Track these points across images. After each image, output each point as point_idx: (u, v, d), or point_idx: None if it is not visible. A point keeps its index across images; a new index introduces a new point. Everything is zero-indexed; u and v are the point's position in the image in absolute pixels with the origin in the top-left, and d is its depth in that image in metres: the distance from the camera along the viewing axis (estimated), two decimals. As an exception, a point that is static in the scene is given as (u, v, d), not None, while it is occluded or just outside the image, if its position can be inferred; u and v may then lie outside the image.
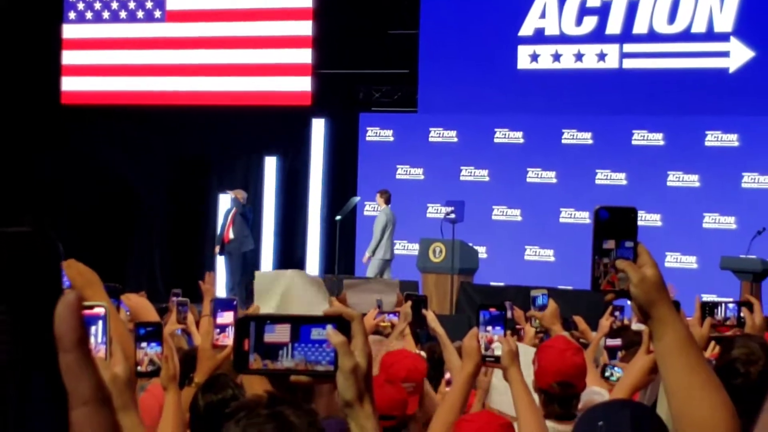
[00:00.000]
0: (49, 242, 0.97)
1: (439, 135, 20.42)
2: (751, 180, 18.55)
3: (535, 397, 4.72)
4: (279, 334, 2.09)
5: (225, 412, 2.46)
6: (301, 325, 2.11)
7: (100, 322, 2.64)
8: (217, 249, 20.36)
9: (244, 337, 2.10)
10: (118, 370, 2.59)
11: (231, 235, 20.04)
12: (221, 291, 18.76)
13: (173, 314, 8.03)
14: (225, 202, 21.29)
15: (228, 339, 4.97)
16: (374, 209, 19.73)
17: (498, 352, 4.27)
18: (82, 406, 1.00)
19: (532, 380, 4.80)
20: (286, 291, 5.63)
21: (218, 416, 4.38)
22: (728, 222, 18.58)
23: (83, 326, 0.99)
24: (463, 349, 4.42)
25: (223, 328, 5.01)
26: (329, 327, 2.09)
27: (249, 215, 20.41)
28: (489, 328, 4.32)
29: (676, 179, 18.97)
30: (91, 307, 2.66)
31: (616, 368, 6.44)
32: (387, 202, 18.74)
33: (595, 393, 5.35)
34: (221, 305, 5.14)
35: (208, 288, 8.03)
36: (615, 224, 2.52)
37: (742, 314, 5.10)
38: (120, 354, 2.64)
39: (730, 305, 5.09)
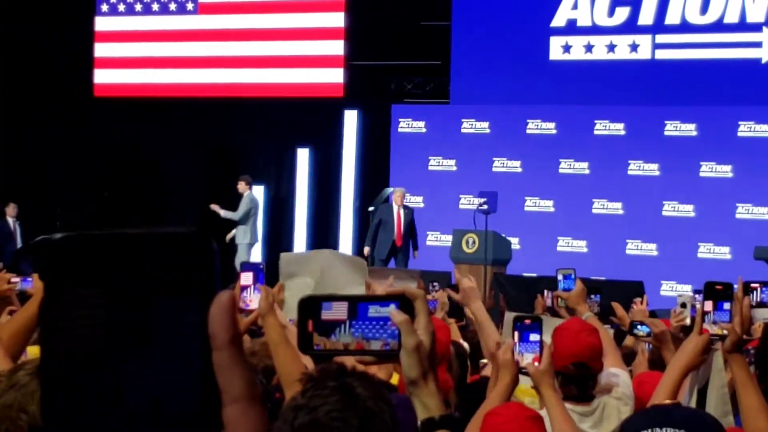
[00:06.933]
0: (206, 243, 0.99)
1: (471, 126, 20.40)
2: (785, 170, 18.50)
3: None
4: (336, 311, 2.08)
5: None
6: (358, 302, 2.09)
7: None
8: (367, 252, 18.33)
9: (308, 318, 2.09)
10: None
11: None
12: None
13: None
14: (258, 193, 21.33)
15: (251, 302, 4.95)
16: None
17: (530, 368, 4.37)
18: (233, 403, 1.02)
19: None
20: (324, 270, 5.63)
21: None
22: (762, 212, 18.51)
23: (236, 325, 1.01)
24: (499, 362, 4.47)
25: (243, 288, 5.00)
26: (392, 306, 2.07)
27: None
28: (527, 337, 4.41)
29: (709, 170, 18.90)
30: None
31: (642, 326, 6.57)
32: (250, 187, 19.35)
33: (612, 375, 5.36)
34: (244, 267, 5.11)
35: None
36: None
37: None
38: None
39: None
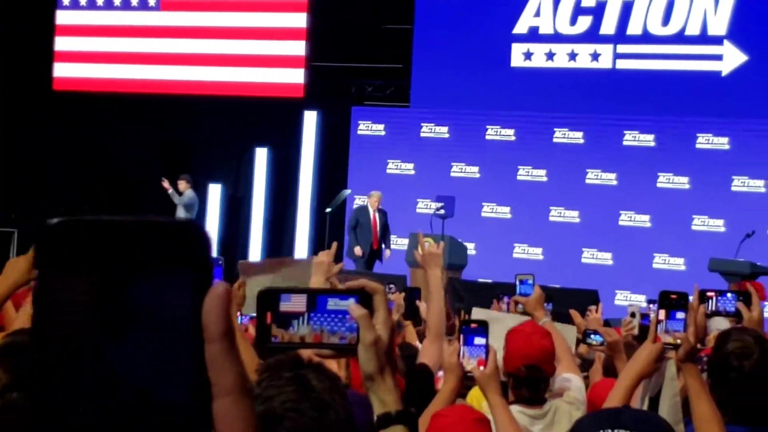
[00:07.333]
0: (202, 233, 0.97)
1: (430, 130, 20.42)
2: (740, 183, 18.58)
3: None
4: (295, 303, 2.07)
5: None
6: (317, 295, 2.09)
7: None
8: (360, 252, 18.44)
9: (267, 310, 2.08)
10: None
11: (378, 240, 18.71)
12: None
13: None
14: (215, 192, 21.29)
15: None
16: (364, 202, 19.74)
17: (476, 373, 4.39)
18: (225, 396, 1.00)
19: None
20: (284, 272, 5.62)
21: None
22: (717, 225, 18.62)
23: (230, 318, 0.99)
24: (444, 366, 4.46)
25: None
26: (351, 300, 2.08)
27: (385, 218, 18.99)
28: (471, 341, 4.40)
29: (666, 181, 19.00)
30: None
31: (596, 335, 6.59)
32: (191, 186, 20.20)
33: (565, 379, 5.38)
34: None
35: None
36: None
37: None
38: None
39: (728, 295, 5.13)
